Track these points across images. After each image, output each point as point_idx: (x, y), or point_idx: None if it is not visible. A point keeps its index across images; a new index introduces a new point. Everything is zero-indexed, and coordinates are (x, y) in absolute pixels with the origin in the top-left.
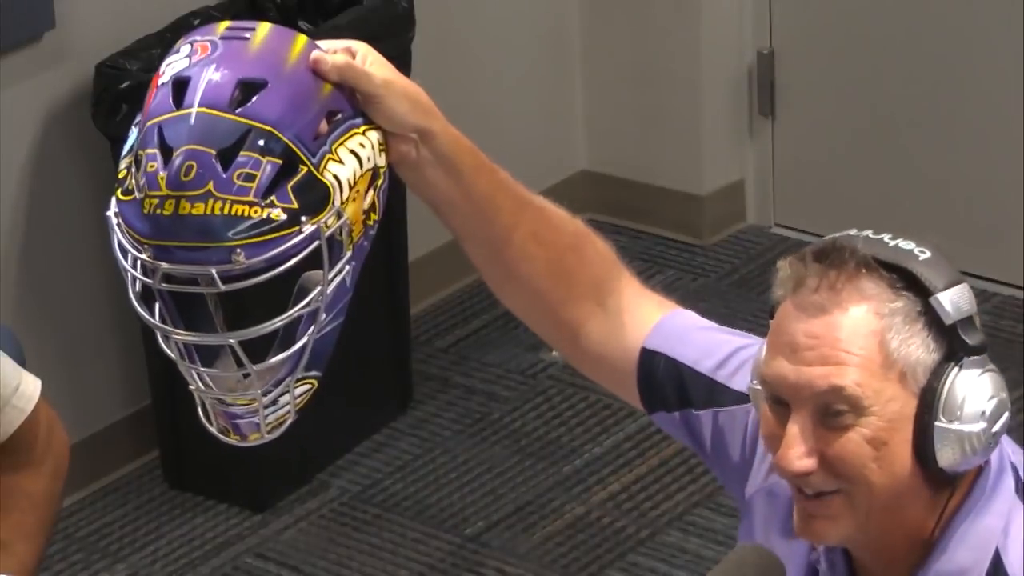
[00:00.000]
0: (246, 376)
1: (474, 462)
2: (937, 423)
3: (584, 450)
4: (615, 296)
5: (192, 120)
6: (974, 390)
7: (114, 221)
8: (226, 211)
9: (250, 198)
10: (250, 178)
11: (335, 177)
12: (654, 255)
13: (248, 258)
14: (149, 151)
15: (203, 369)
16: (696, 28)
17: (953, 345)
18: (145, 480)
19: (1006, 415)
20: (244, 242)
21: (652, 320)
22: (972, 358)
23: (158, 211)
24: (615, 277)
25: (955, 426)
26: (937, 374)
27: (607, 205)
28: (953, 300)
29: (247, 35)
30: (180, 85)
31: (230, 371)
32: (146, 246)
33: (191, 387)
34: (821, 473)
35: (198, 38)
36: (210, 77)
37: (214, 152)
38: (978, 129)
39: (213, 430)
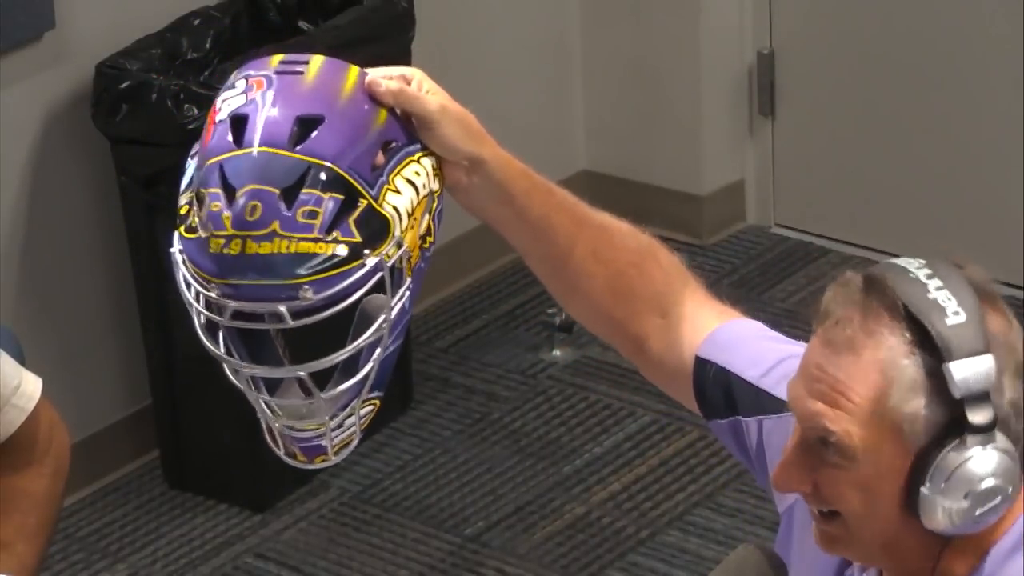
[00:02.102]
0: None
1: (474, 462)
2: (923, 488)
3: (584, 450)
4: (677, 308)
5: (254, 159)
6: (966, 468)
7: (179, 257)
8: (292, 249)
9: (314, 235)
10: (313, 215)
11: (394, 208)
12: None
13: (315, 294)
14: (212, 190)
15: (272, 399)
16: (696, 28)
17: (958, 417)
18: (145, 480)
19: (998, 499)
20: (311, 278)
21: (709, 329)
22: (976, 436)
23: (225, 250)
24: (678, 290)
25: (938, 498)
26: (935, 440)
27: (606, 205)
28: (965, 373)
29: (300, 68)
30: (238, 122)
31: (296, 399)
32: (214, 284)
33: (259, 415)
34: (814, 496)
35: (252, 73)
36: (268, 114)
37: (278, 191)
38: (978, 129)
39: (280, 454)
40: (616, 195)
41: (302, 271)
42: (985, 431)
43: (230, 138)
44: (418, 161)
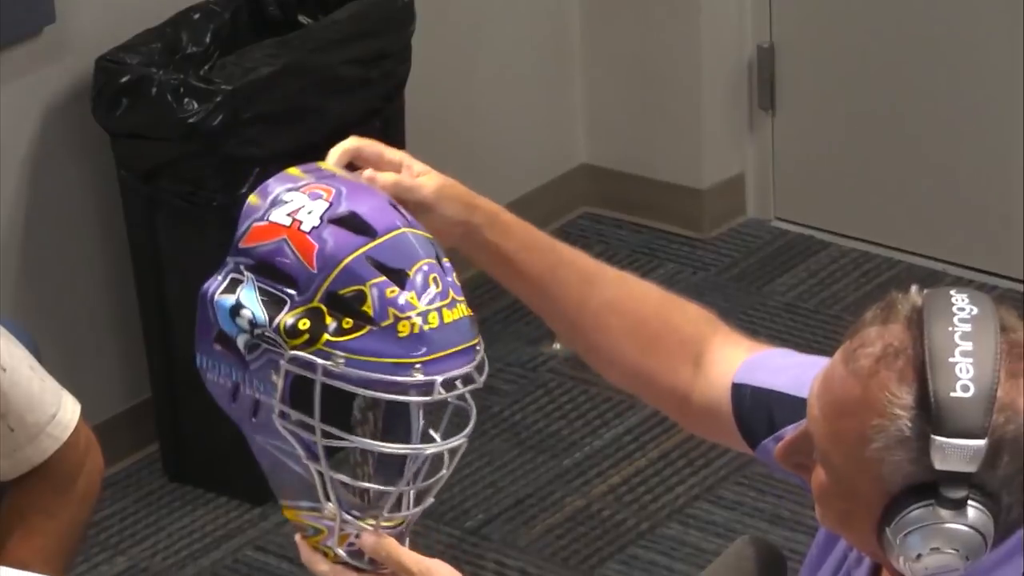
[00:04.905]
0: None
1: (474, 455)
2: (887, 529)
3: (584, 443)
4: (708, 353)
5: (402, 241)
6: (927, 532)
7: (332, 364)
8: (466, 312)
9: (462, 297)
10: (456, 279)
11: None
12: (654, 249)
13: (480, 351)
14: (375, 280)
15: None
16: (696, 22)
17: (935, 483)
18: (145, 473)
19: (946, 569)
20: (478, 338)
21: (739, 361)
22: (947, 509)
23: (425, 327)
24: (706, 336)
25: (897, 546)
26: (910, 493)
27: (607, 199)
28: (948, 452)
29: (328, 172)
30: (350, 220)
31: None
32: (418, 365)
33: (377, 523)
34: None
35: (296, 185)
36: (370, 206)
37: (435, 261)
38: (978, 122)
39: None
40: (616, 189)
41: (476, 331)
42: (957, 506)
43: (355, 235)
44: None
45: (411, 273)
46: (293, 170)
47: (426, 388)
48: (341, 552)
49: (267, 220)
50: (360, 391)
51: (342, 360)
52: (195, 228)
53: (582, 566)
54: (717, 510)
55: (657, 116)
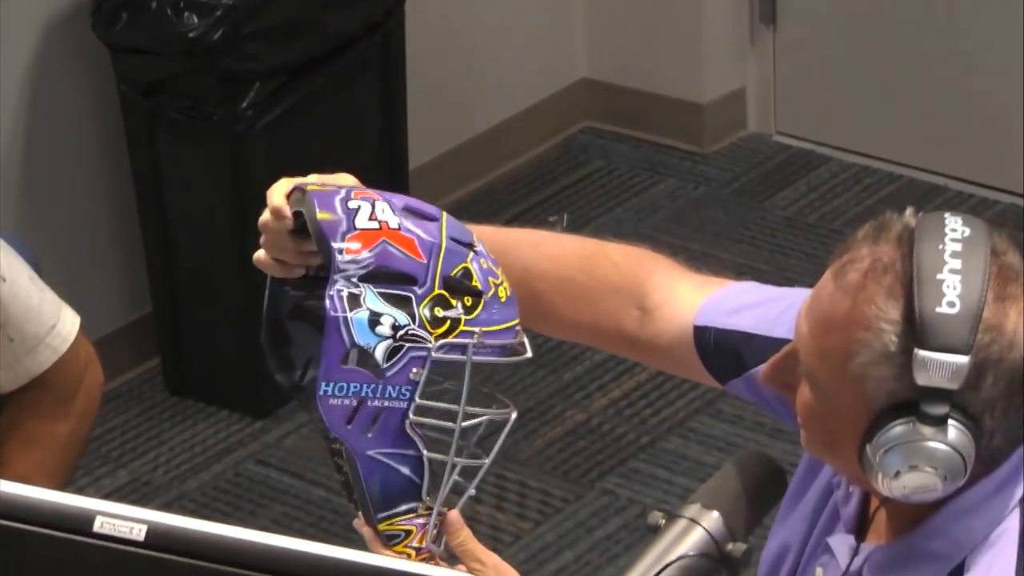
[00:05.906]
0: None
1: (474, 368)
2: (867, 446)
3: (585, 357)
4: (652, 296)
5: (451, 219)
6: (907, 449)
7: (475, 342)
8: None
9: None
10: None
11: None
12: (655, 163)
13: None
14: (470, 256)
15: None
16: None
17: (915, 402)
18: (146, 387)
19: (928, 489)
20: None
21: (694, 301)
22: (927, 426)
23: (511, 290)
24: (643, 279)
25: (876, 463)
26: (892, 409)
27: (607, 113)
28: (930, 366)
29: (337, 184)
30: (413, 211)
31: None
32: (517, 328)
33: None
34: (794, 404)
35: (350, 189)
36: (411, 202)
37: None
38: (980, 38)
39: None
40: (617, 103)
41: None
42: (937, 423)
43: (428, 222)
44: None
45: (476, 245)
46: (314, 186)
47: (519, 348)
48: (431, 546)
49: (356, 229)
50: (500, 360)
51: (479, 335)
52: (195, 143)
53: (582, 480)
54: (717, 424)
55: (658, 30)
